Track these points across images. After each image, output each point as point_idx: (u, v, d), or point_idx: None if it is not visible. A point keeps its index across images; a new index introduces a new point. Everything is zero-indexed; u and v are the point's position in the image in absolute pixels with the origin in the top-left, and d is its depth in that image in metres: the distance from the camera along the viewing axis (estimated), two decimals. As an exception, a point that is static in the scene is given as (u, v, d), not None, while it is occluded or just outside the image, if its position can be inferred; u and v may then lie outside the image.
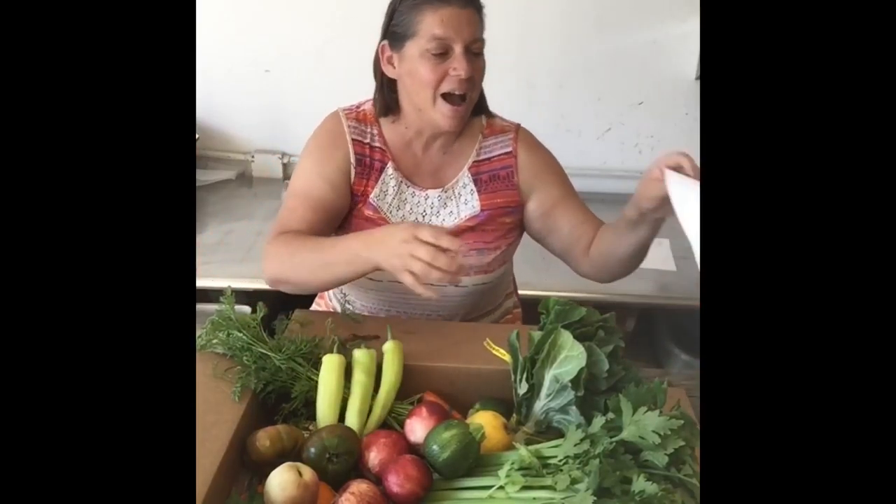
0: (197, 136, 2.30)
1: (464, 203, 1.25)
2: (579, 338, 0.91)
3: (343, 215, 1.24)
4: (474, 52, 1.14)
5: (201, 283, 1.71)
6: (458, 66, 1.12)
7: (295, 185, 1.24)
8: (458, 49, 1.12)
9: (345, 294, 1.28)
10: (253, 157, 2.45)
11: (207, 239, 2.02)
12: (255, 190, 2.40)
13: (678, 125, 2.36)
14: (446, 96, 1.15)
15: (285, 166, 2.43)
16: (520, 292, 1.51)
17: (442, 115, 1.16)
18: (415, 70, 1.14)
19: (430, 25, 1.11)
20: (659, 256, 2.02)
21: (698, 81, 2.28)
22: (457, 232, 1.23)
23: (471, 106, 1.19)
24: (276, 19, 2.26)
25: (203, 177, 2.37)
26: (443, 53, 1.12)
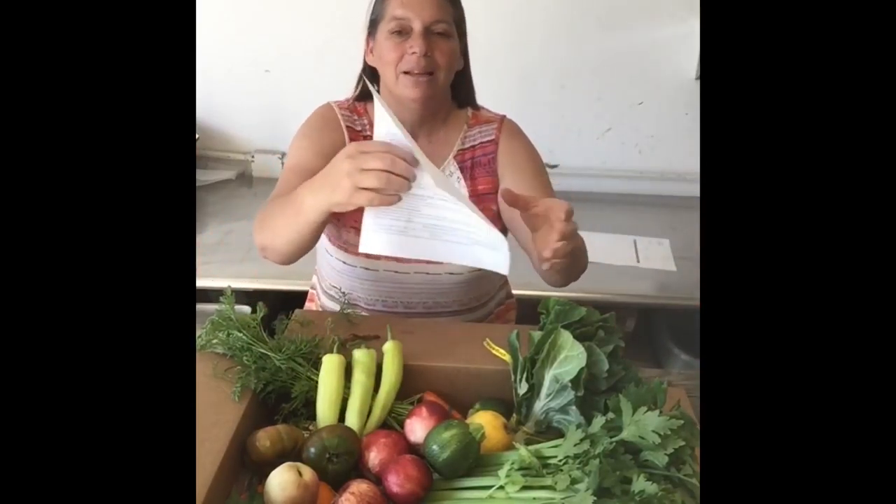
0: (197, 136, 2.30)
1: None
2: (579, 338, 0.91)
3: None
4: (437, 33, 1.16)
5: (201, 283, 1.71)
6: (413, 45, 1.15)
7: (290, 162, 1.24)
8: (416, 28, 1.15)
9: (344, 293, 1.28)
10: (253, 157, 2.45)
11: (207, 239, 2.02)
12: (255, 190, 2.40)
13: (678, 125, 2.36)
14: (407, 74, 1.17)
15: (285, 166, 2.43)
16: (520, 292, 1.52)
17: (404, 86, 1.18)
18: (381, 51, 1.19)
19: (393, 7, 1.16)
20: (659, 256, 2.02)
21: (698, 81, 2.28)
22: None
23: (437, 84, 1.20)
24: (276, 19, 2.26)
25: (203, 177, 2.37)
26: (403, 33, 1.16)
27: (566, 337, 0.91)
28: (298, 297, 1.54)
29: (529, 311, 1.41)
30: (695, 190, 2.29)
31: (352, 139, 1.26)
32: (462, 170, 1.29)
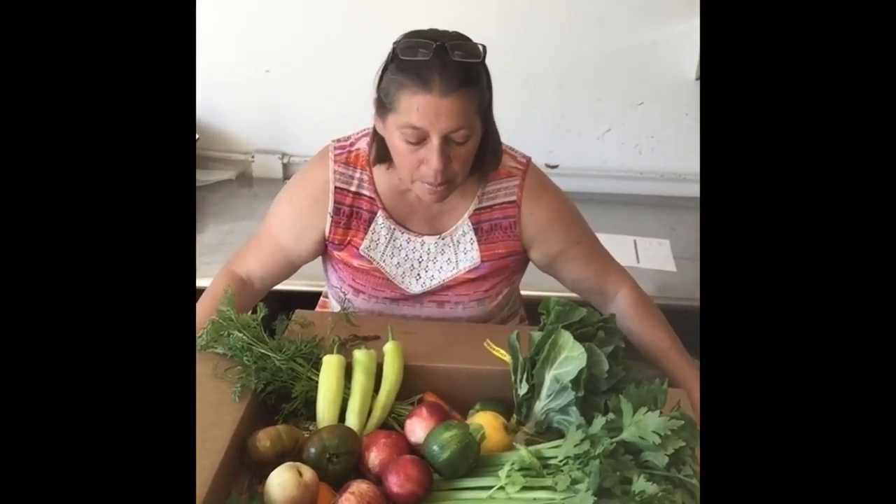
0: (197, 136, 2.30)
1: (463, 252, 1.21)
2: (579, 338, 0.91)
3: (305, 262, 1.26)
4: (456, 141, 1.04)
5: (201, 283, 1.71)
6: (430, 159, 1.03)
7: (268, 222, 1.25)
8: (434, 142, 1.02)
9: (345, 293, 1.28)
10: (253, 157, 2.45)
11: (207, 239, 2.02)
12: (255, 190, 2.40)
13: (678, 125, 2.35)
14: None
15: (285, 166, 2.43)
16: (520, 292, 1.51)
17: (420, 191, 1.11)
18: (394, 147, 1.08)
19: (406, 111, 1.02)
20: (659, 256, 2.02)
21: (698, 81, 2.27)
22: (455, 284, 1.22)
23: (454, 186, 1.11)
24: (276, 19, 2.26)
25: (203, 177, 2.36)
26: (418, 142, 1.03)
27: (566, 337, 0.91)
28: (299, 298, 1.54)
29: (530, 311, 1.41)
30: (695, 190, 2.29)
31: (336, 201, 1.18)
32: (477, 231, 1.19)
